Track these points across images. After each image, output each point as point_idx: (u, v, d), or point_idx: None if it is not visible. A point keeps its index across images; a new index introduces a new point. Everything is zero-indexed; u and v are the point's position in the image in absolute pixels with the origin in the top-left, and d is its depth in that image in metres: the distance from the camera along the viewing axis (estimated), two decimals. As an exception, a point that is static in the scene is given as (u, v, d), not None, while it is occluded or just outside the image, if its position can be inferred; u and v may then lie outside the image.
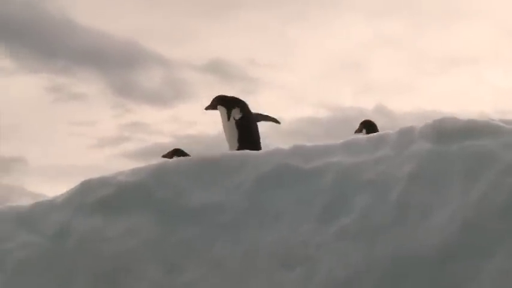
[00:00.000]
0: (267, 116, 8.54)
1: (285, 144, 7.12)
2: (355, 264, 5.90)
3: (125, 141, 24.93)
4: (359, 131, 9.74)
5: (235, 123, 8.23)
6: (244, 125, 8.24)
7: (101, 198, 6.97)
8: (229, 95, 8.46)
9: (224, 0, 25.28)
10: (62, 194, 7.34)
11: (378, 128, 9.75)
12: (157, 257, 6.61)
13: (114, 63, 25.04)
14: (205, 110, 8.60)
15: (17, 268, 6.80)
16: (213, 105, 8.39)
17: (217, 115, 8.49)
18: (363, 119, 10.03)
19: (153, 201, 6.86)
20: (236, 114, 8.24)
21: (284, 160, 6.86)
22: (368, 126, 9.78)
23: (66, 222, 6.96)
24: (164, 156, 9.95)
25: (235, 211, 6.72)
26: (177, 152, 9.76)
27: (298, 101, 26.13)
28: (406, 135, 6.39)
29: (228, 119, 8.33)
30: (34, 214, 7.14)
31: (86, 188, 7.06)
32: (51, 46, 24.41)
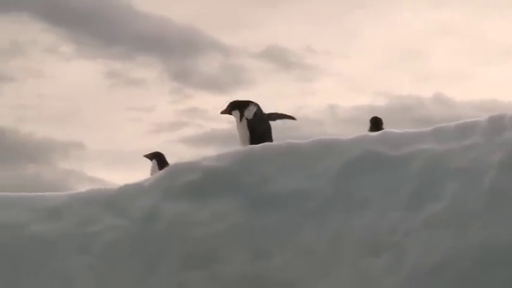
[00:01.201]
0: (282, 114, 8.94)
1: (342, 132, 7.12)
2: (443, 251, 5.97)
3: (182, 127, 25.84)
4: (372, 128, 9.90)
5: (247, 123, 8.65)
6: (256, 124, 8.62)
7: (188, 183, 7.10)
8: (243, 98, 8.93)
9: (283, -13, 25.39)
10: (149, 178, 7.50)
11: (383, 123, 9.93)
12: (244, 243, 6.71)
13: (173, 49, 25.50)
14: (221, 114, 9.11)
15: (104, 251, 6.92)
16: (227, 110, 8.88)
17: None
18: (373, 116, 10.18)
19: (239, 186, 6.99)
20: (248, 114, 8.66)
21: (371, 146, 6.99)
22: (374, 123, 9.96)
23: (154, 206, 7.09)
24: (145, 156, 10.25)
25: (321, 197, 6.85)
26: (156, 156, 10.29)
27: (356, 89, 26.74)
28: (497, 122, 6.54)
29: (241, 120, 8.76)
30: (121, 198, 7.30)
31: (173, 172, 7.21)
32: (111, 32, 25.23)
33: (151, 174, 10.17)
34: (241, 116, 8.78)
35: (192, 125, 25.09)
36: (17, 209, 7.46)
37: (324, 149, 7.08)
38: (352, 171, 6.90)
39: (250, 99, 9.07)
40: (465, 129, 6.56)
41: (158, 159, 10.55)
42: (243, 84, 26.17)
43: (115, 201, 7.37)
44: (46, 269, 7.01)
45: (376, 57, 26.24)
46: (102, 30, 25.99)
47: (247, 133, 8.59)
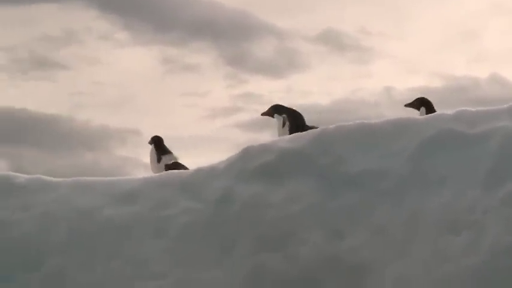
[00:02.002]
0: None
1: (398, 114, 7.26)
2: (523, 229, 5.98)
3: (237, 112, 25.86)
4: (415, 107, 9.79)
5: (289, 130, 9.08)
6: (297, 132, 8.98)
7: (262, 165, 7.19)
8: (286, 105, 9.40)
9: (336, -31, 25.70)
10: (222, 161, 7.58)
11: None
12: (319, 223, 6.78)
13: (227, 34, 26.04)
14: (261, 116, 9.61)
15: (180, 233, 7.09)
16: (269, 113, 9.30)
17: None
18: (419, 96, 10.03)
19: (314, 167, 7.05)
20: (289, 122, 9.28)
21: (447, 125, 7.01)
22: (426, 105, 9.80)
23: (228, 188, 7.20)
24: (150, 142, 10.62)
25: (397, 177, 6.88)
26: (155, 140, 10.37)
27: (411, 71, 26.97)
28: None
29: (283, 126, 9.22)
30: (196, 180, 7.42)
31: (247, 154, 7.30)
32: (164, 18, 25.79)
33: (151, 159, 10.39)
34: (284, 122, 9.25)
35: (247, 110, 25.47)
36: (92, 193, 7.69)
37: (399, 128, 7.10)
38: (428, 150, 6.90)
39: (294, 108, 9.45)
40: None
41: (156, 144, 10.62)
42: (298, 67, 26.87)
43: (189, 184, 7.48)
44: (122, 253, 7.22)
45: (431, 38, 26.65)
46: (156, 17, 26.82)
47: None
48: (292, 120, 9.39)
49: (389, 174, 6.85)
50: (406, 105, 9.85)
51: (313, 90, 25.66)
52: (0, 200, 7.82)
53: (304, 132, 7.37)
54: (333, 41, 26.22)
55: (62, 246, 7.34)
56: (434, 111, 8.90)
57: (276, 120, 9.40)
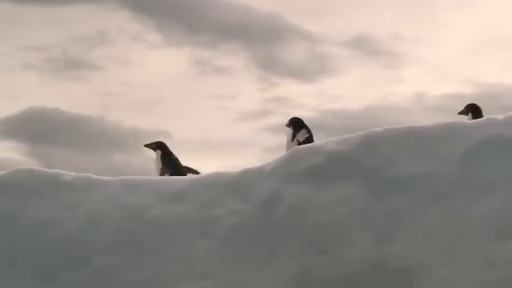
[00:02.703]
0: None
1: (430, 120, 7.31)
2: None
3: (268, 115, 26.41)
4: (464, 113, 9.97)
5: (297, 143, 9.50)
6: None
7: (310, 167, 7.23)
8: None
9: (369, -26, 26.07)
10: (269, 163, 7.57)
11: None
12: (366, 226, 6.82)
13: (258, 37, 26.58)
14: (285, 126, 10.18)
15: (226, 234, 7.11)
16: (288, 124, 9.95)
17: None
18: (469, 103, 10.20)
19: (362, 170, 7.12)
20: (300, 137, 9.72)
21: (497, 130, 7.06)
22: (473, 110, 9.96)
23: (275, 190, 7.22)
24: (146, 145, 10.66)
25: (446, 181, 6.94)
26: (160, 146, 10.38)
27: (443, 76, 27.59)
28: None
29: (292, 139, 9.78)
30: (242, 181, 7.46)
31: (295, 156, 7.37)
32: (196, 20, 26.35)
33: (156, 165, 10.39)
34: (293, 136, 9.83)
35: (278, 113, 26.22)
36: (141, 192, 7.70)
37: (448, 132, 7.15)
38: (477, 154, 6.95)
39: (306, 125, 9.99)
40: None
41: (162, 150, 10.60)
42: (330, 72, 27.29)
43: (236, 185, 7.52)
44: (169, 252, 7.25)
45: (464, 44, 27.14)
46: (187, 19, 27.68)
47: None
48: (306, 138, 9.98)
49: (438, 178, 6.88)
50: (459, 113, 9.95)
51: (345, 94, 26.17)
52: (47, 198, 7.88)
53: (353, 135, 7.32)
54: (365, 46, 26.78)
55: (109, 245, 7.40)
56: (481, 116, 8.96)
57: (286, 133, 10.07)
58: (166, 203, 7.61)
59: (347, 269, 6.79)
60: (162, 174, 10.28)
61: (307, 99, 26.80)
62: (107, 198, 7.76)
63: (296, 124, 10.11)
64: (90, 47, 27.65)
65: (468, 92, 24.06)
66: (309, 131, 10.14)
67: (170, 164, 10.42)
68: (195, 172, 10.22)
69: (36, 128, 24.29)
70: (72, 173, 8.14)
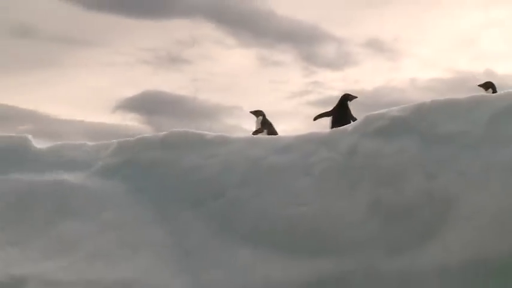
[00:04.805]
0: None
1: (420, 98, 7.60)
2: None
3: (308, 94, 29.14)
4: (484, 87, 10.11)
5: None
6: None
7: (379, 127, 7.63)
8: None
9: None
10: (350, 125, 8.08)
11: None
12: (419, 168, 7.17)
13: (303, 40, 29.78)
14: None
15: (320, 174, 7.66)
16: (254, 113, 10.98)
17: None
18: (487, 80, 10.42)
19: (415, 129, 7.44)
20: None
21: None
22: (493, 86, 10.09)
23: (354, 143, 7.68)
24: (252, 112, 11.23)
25: (475, 137, 7.17)
26: (261, 113, 11.04)
27: (429, 66, 30.29)
28: None
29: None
30: (332, 138, 7.92)
31: (368, 120, 7.76)
32: (259, 29, 29.53)
33: (256, 125, 10.83)
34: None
35: (315, 92, 29.21)
36: (259, 146, 8.21)
37: (476, 102, 7.41)
38: (499, 118, 7.19)
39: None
40: None
41: (262, 115, 11.04)
42: (350, 64, 30.30)
43: (327, 140, 7.94)
44: (280, 188, 7.77)
45: (443, 43, 29.71)
46: (254, 28, 30.53)
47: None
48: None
49: (469, 134, 7.23)
50: (479, 85, 10.01)
51: (361, 79, 29.11)
52: (194, 151, 8.40)
53: (409, 104, 7.62)
54: (375, 45, 30.02)
55: (238, 183, 7.99)
56: (496, 91, 9.14)
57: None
58: (277, 154, 8.06)
59: (406, 198, 7.15)
60: (260, 132, 10.76)
61: (335, 83, 30.27)
62: (236, 151, 8.23)
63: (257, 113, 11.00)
64: (185, 48, 30.80)
65: (447, 77, 27.58)
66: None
67: (267, 126, 10.97)
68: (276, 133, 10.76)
69: (150, 104, 27.70)
70: (212, 133, 8.56)
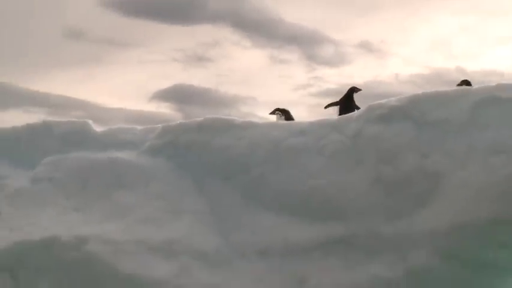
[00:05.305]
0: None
1: (403, 90, 8.05)
2: None
3: (310, 87, 31.50)
4: (460, 85, 9.84)
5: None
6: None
7: (380, 114, 7.79)
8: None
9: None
10: (355, 112, 8.20)
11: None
12: (413, 148, 7.33)
13: (306, 42, 31.76)
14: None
15: (331, 154, 7.88)
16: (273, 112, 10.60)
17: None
18: (463, 79, 10.23)
19: (409, 116, 7.58)
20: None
21: (491, 92, 7.36)
22: (467, 84, 9.88)
23: (360, 128, 7.84)
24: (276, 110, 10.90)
25: (460, 122, 7.32)
26: (283, 111, 10.78)
27: (410, 63, 32.32)
28: None
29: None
30: (340, 123, 8.06)
31: (370, 109, 7.91)
32: (270, 32, 31.59)
33: (277, 119, 10.57)
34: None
35: (315, 86, 31.58)
36: (279, 129, 8.36)
37: (461, 93, 7.59)
38: (479, 105, 7.33)
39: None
40: None
41: (285, 114, 10.71)
42: (346, 62, 32.52)
43: (336, 125, 8.09)
44: (297, 164, 7.88)
45: (421, 44, 32.20)
46: (266, 32, 33.42)
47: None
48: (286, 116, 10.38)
49: (455, 120, 7.39)
50: (457, 85, 9.73)
51: (353, 75, 31.24)
52: (225, 133, 8.47)
53: (404, 96, 7.72)
54: (366, 47, 32.30)
55: (261, 161, 8.13)
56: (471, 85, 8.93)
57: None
58: (294, 136, 8.16)
59: (402, 173, 7.34)
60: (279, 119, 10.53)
61: (332, 78, 32.73)
62: (260, 133, 8.34)
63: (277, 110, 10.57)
64: (209, 49, 33.32)
65: (425, 73, 29.87)
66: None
67: (286, 113, 10.70)
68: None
69: (180, 95, 30.03)
70: (239, 119, 8.63)
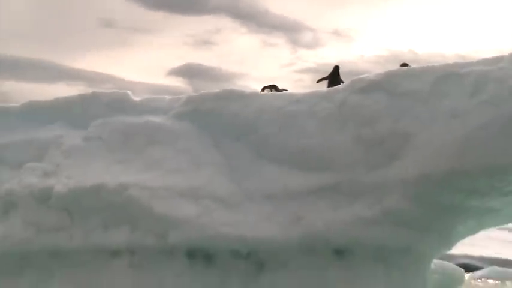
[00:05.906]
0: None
1: (371, 69, 9.03)
2: None
3: (293, 65, 30.76)
4: (403, 66, 9.32)
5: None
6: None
7: (361, 87, 8.28)
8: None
9: None
10: (341, 85, 8.76)
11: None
12: (389, 114, 7.80)
13: (290, 29, 29.79)
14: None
15: (322, 119, 8.37)
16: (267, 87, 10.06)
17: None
18: (403, 62, 9.79)
19: (384, 88, 8.07)
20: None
21: (451, 68, 7.94)
22: (407, 65, 9.40)
23: (345, 97, 8.37)
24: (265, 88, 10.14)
25: (426, 92, 7.85)
26: (273, 86, 10.32)
27: (371, 48, 32.67)
28: None
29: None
30: (329, 94, 8.71)
31: (354, 82, 8.49)
32: (262, 21, 30.17)
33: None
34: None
35: (300, 65, 29.53)
36: (280, 98, 8.90)
37: (424, 69, 8.05)
38: (438, 81, 7.86)
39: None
40: None
41: (274, 88, 10.42)
42: (320, 46, 29.87)
43: (325, 96, 8.52)
44: (295, 125, 8.42)
45: (382, 30, 30.64)
46: (258, 21, 31.40)
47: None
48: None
49: (421, 91, 7.97)
50: (400, 65, 9.50)
51: (327, 56, 30.81)
52: (238, 102, 8.95)
53: (381, 72, 8.13)
54: (336, 32, 30.86)
55: (267, 122, 8.65)
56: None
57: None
58: (292, 104, 8.72)
59: (378, 134, 7.95)
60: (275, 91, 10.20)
61: (310, 58, 32.85)
62: (265, 102, 8.89)
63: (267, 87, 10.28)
64: (213, 34, 33.22)
65: (384, 54, 30.57)
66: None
67: (275, 87, 10.54)
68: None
69: (190, 72, 31.17)
70: (248, 91, 9.09)
